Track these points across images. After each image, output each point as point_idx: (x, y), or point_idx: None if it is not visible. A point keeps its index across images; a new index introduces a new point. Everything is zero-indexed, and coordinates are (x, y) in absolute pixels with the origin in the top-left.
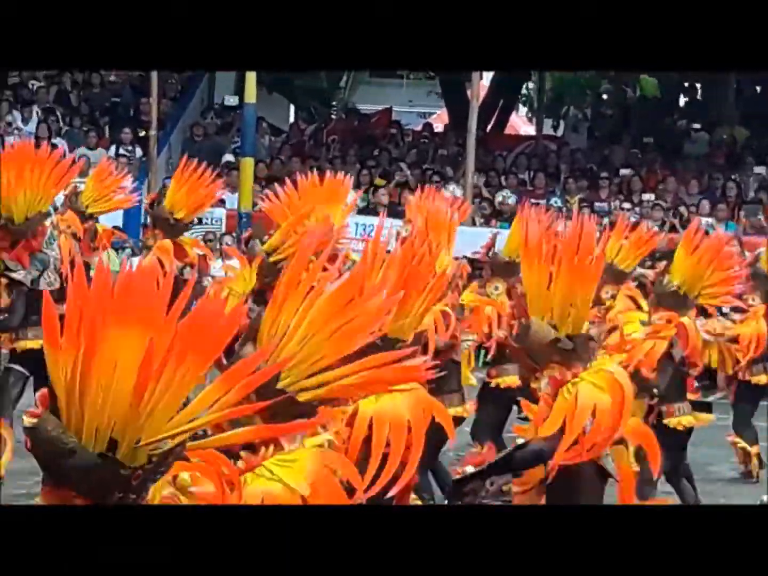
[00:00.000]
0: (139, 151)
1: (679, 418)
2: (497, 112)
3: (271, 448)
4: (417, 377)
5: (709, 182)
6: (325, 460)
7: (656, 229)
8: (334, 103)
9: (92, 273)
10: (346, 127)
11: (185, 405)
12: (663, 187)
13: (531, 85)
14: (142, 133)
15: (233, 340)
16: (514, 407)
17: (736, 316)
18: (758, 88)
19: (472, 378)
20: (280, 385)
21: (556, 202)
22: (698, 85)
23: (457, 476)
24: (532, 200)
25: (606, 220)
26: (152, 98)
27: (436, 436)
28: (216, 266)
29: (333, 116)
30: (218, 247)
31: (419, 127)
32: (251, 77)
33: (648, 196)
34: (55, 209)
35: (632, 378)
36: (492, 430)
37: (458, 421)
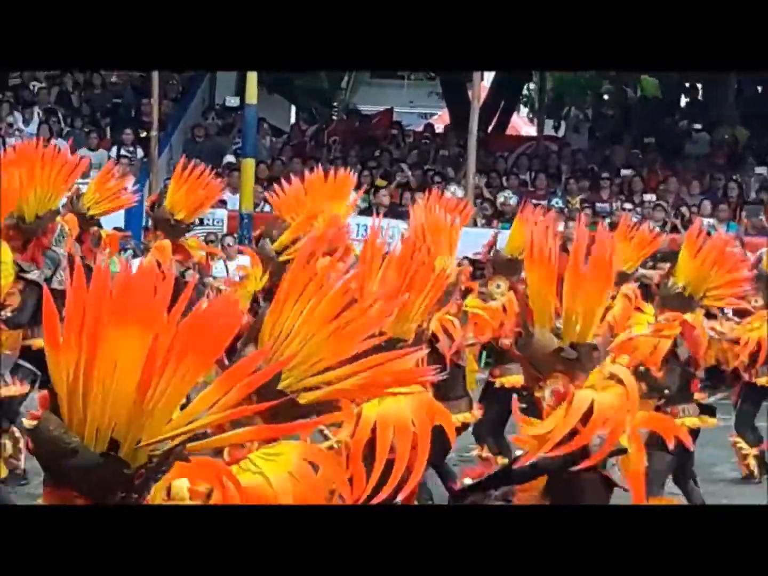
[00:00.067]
0: (140, 152)
1: (683, 419)
2: (498, 112)
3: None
4: (420, 380)
5: (710, 183)
6: (308, 455)
7: (658, 229)
8: (335, 103)
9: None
10: (347, 127)
11: (186, 405)
12: (664, 188)
13: (532, 85)
14: (144, 134)
15: (235, 340)
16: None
17: (736, 317)
18: (759, 88)
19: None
20: (280, 386)
21: (557, 203)
22: (699, 86)
23: (457, 490)
24: (534, 201)
25: (607, 221)
26: (153, 99)
27: (442, 440)
28: (217, 267)
29: (334, 117)
30: (219, 247)
31: (420, 128)
32: (252, 78)
33: (649, 197)
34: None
35: (642, 378)
36: (494, 430)
37: (466, 426)
